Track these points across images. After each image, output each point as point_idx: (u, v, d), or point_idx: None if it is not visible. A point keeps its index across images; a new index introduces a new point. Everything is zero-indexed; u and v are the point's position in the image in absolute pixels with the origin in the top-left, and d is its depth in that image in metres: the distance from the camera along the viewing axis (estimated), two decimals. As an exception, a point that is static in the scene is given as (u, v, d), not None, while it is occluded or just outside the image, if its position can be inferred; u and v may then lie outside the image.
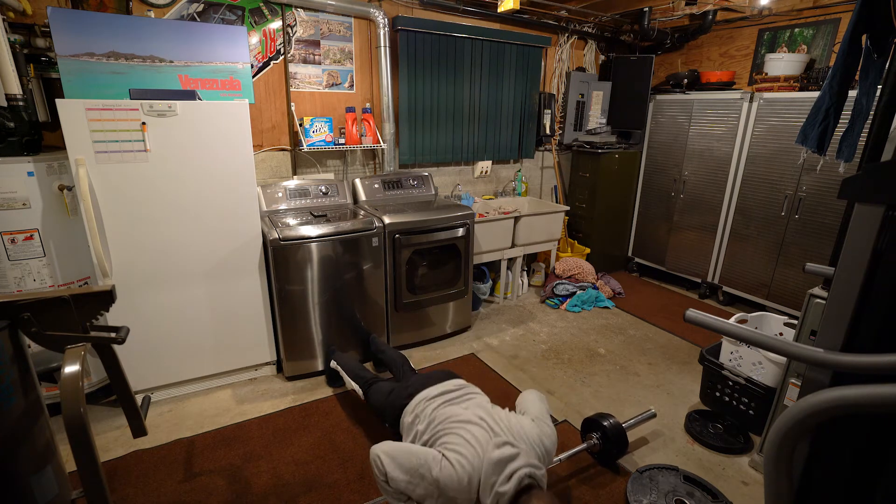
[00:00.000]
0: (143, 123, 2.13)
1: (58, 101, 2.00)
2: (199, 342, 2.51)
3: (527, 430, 1.61)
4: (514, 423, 1.63)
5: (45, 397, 1.44)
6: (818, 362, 0.93)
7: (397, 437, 1.87)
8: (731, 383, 2.36)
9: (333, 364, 2.54)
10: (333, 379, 2.61)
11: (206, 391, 2.60)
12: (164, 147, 2.20)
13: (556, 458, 1.95)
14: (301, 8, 2.94)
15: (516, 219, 3.61)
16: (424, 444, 1.62)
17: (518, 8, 2.96)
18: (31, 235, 2.11)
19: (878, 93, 1.74)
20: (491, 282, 3.80)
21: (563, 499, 1.92)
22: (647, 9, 3.74)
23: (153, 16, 2.52)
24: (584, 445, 2.07)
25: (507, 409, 1.76)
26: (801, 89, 3.29)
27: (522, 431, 1.60)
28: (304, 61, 3.04)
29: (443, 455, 1.49)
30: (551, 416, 1.82)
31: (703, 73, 3.88)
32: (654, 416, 2.29)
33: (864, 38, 1.79)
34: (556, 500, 1.41)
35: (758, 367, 2.27)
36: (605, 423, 2.06)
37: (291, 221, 2.68)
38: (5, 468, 1.24)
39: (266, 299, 2.62)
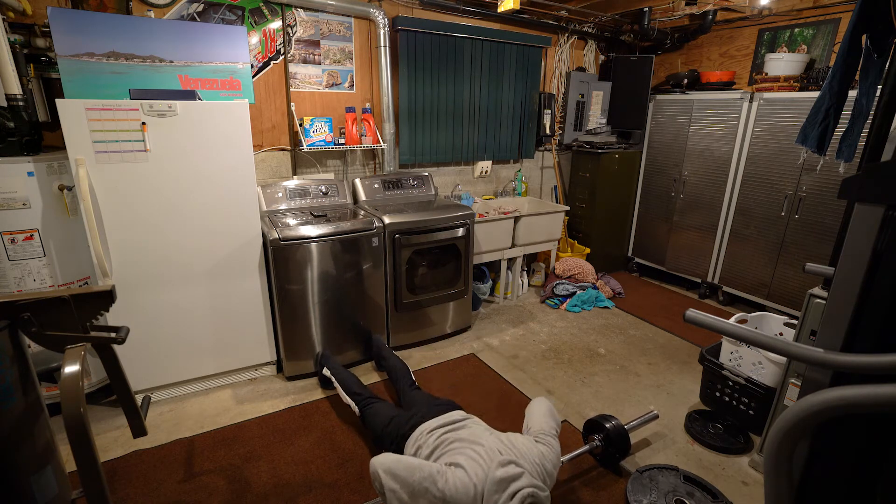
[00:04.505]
0: (143, 123, 2.13)
1: (58, 101, 2.00)
2: (200, 342, 2.51)
3: (527, 451, 1.59)
4: (515, 443, 1.61)
5: (45, 397, 1.44)
6: (818, 362, 0.93)
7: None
8: (731, 383, 2.36)
9: (326, 372, 2.51)
10: (326, 382, 2.58)
11: (206, 391, 2.60)
12: (164, 147, 2.20)
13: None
14: (301, 8, 2.94)
15: (516, 219, 3.61)
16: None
17: (518, 8, 2.96)
18: (31, 235, 2.11)
19: (878, 93, 1.74)
20: (491, 282, 3.80)
21: (564, 501, 1.92)
22: (647, 9, 3.74)
23: (153, 16, 2.52)
24: (587, 447, 2.06)
25: (506, 432, 1.74)
26: (801, 89, 3.29)
27: (524, 450, 1.58)
28: (304, 61, 3.04)
29: (448, 466, 1.49)
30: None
31: (703, 73, 3.88)
32: (656, 417, 2.29)
33: (864, 38, 1.79)
34: None
35: (758, 367, 2.27)
36: (608, 425, 2.05)
37: (291, 221, 2.68)
38: (5, 468, 1.24)
39: (266, 299, 2.62)
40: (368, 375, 2.77)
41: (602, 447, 2.05)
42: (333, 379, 2.44)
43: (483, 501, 1.44)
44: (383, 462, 1.50)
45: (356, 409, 2.22)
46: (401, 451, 1.82)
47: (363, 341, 2.86)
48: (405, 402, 2.23)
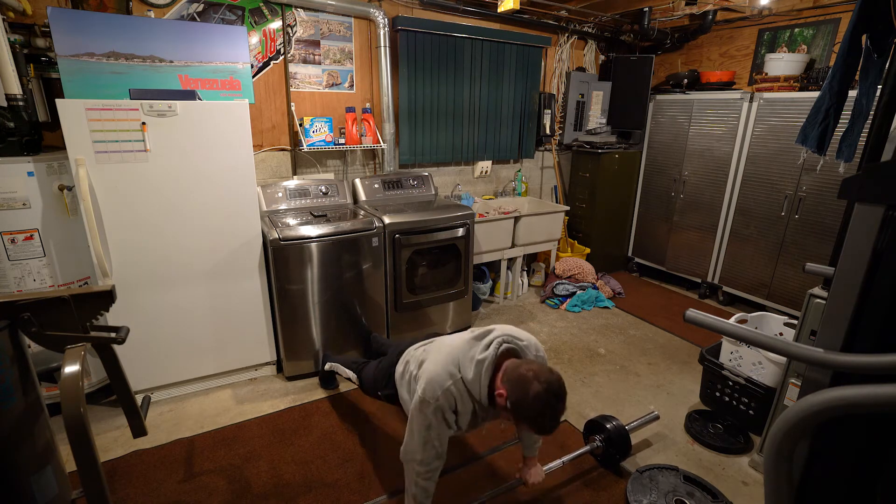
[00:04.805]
0: (143, 123, 2.13)
1: (58, 101, 2.00)
2: (200, 342, 2.51)
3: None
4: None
5: (45, 397, 1.44)
6: (818, 362, 0.93)
7: (391, 402, 1.89)
8: (731, 383, 2.36)
9: (328, 366, 2.52)
10: (327, 381, 2.61)
11: (206, 391, 2.60)
12: (164, 147, 2.20)
13: (558, 461, 1.95)
14: (301, 8, 2.94)
15: (516, 219, 3.61)
16: (416, 379, 1.62)
17: (518, 8, 2.96)
18: (31, 235, 2.11)
19: (878, 93, 1.74)
20: (491, 282, 3.80)
21: (565, 501, 1.92)
22: (647, 9, 3.74)
23: (153, 16, 2.52)
24: (588, 448, 2.06)
25: None
26: (801, 89, 3.29)
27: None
28: (304, 61, 3.04)
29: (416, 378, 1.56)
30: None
31: (703, 73, 3.88)
32: (657, 417, 2.28)
33: (864, 38, 1.79)
34: (546, 367, 1.36)
35: (758, 367, 2.27)
36: (609, 426, 2.05)
37: (291, 221, 2.67)
38: (5, 468, 1.24)
39: (266, 299, 2.62)
40: (368, 375, 2.77)
41: (603, 448, 2.05)
42: (335, 364, 2.43)
43: (461, 368, 1.45)
44: (405, 455, 1.54)
45: (355, 377, 2.21)
46: (392, 379, 1.84)
47: (363, 342, 2.86)
48: None
